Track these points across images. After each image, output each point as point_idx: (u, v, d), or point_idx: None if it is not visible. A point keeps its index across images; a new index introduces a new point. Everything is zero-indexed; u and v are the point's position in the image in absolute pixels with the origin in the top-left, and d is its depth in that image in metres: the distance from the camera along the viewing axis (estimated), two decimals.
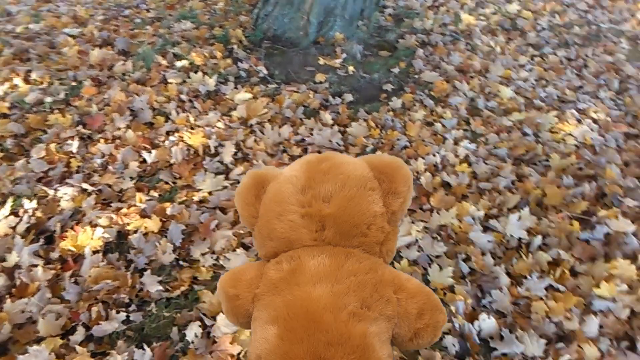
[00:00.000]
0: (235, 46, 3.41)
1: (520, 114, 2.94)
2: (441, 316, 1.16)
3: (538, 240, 2.12)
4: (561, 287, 1.95)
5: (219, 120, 2.75)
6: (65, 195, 2.21)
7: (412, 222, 2.14)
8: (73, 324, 1.73)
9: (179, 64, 3.16)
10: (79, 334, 1.68)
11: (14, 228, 2.02)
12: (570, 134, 2.92)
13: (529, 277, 1.99)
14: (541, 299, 1.92)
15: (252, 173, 1.25)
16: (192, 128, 2.66)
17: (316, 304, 1.03)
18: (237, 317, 1.22)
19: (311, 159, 1.22)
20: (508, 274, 2.02)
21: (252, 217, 1.21)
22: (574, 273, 2.04)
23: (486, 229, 2.19)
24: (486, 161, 2.58)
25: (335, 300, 1.03)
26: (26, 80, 2.91)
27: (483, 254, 2.06)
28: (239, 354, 1.67)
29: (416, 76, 3.24)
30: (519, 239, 2.14)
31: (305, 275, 1.07)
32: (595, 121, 3.07)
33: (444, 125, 2.77)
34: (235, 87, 3.06)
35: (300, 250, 1.12)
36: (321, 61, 3.32)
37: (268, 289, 1.11)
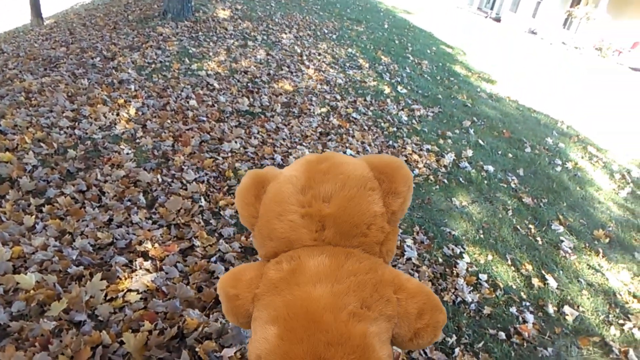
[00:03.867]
0: None
1: (60, 301, 2.26)
2: (441, 316, 1.18)
3: None
4: None
5: None
6: None
7: None
8: None
9: None
10: None
11: None
12: (129, 290, 2.48)
13: None
14: None
15: (252, 173, 1.25)
16: None
17: (316, 304, 1.03)
18: (237, 317, 1.20)
19: (311, 159, 1.23)
20: None
21: (252, 217, 1.21)
22: None
23: None
24: None
25: (335, 300, 1.04)
26: None
27: None
28: None
29: None
30: None
31: (305, 275, 1.08)
32: (146, 256, 2.74)
33: None
34: None
35: (300, 250, 1.13)
36: None
37: (268, 289, 1.11)
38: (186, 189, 3.46)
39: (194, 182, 3.56)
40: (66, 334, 2.12)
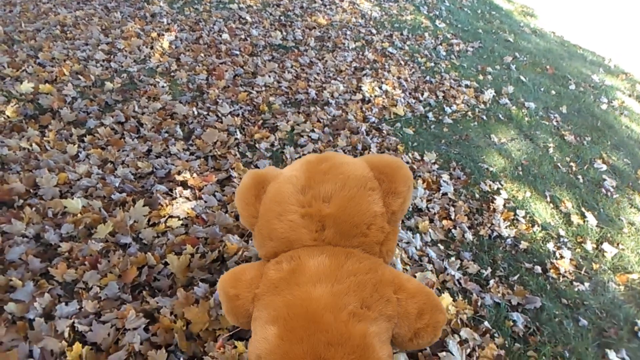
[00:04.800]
0: None
1: (106, 224, 2.35)
2: (441, 316, 1.17)
3: None
4: None
5: None
6: None
7: None
8: None
9: None
10: None
11: None
12: (171, 216, 2.56)
13: None
14: None
15: (252, 173, 1.24)
16: None
17: (316, 304, 1.03)
18: (237, 317, 1.20)
19: (311, 159, 1.22)
20: None
21: (252, 217, 1.20)
22: None
23: None
24: (100, 319, 1.93)
25: (335, 300, 1.03)
26: None
27: None
28: None
29: None
30: None
31: (305, 275, 1.07)
32: (185, 185, 2.79)
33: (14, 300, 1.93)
34: None
35: (300, 250, 1.12)
36: None
37: (268, 289, 1.11)
38: (221, 122, 3.46)
39: (229, 115, 3.55)
40: (113, 254, 2.22)
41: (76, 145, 2.93)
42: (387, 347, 1.10)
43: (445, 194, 3.13)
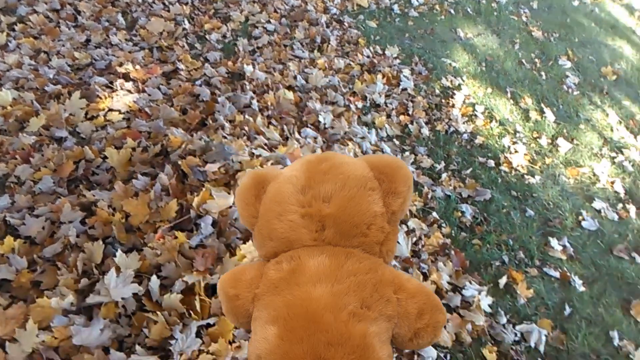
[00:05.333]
0: None
1: (39, 117, 2.20)
2: (441, 316, 1.17)
3: (154, 283, 1.66)
4: None
5: None
6: None
7: None
8: None
9: None
10: None
11: None
12: (111, 109, 2.40)
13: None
14: None
15: (252, 173, 1.23)
16: None
17: (316, 304, 1.02)
18: (237, 317, 1.20)
19: (311, 159, 1.21)
20: None
21: (252, 217, 1.19)
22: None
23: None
24: (34, 212, 1.85)
25: (335, 300, 1.02)
26: None
27: None
28: None
29: None
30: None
31: (305, 275, 1.06)
32: (127, 77, 2.61)
33: None
34: None
35: (300, 250, 1.11)
36: None
37: (268, 289, 1.10)
38: (168, 11, 3.20)
39: (176, 4, 3.28)
40: (47, 148, 2.10)
41: (5, 34, 2.67)
42: (387, 347, 1.09)
43: (405, 89, 3.03)
